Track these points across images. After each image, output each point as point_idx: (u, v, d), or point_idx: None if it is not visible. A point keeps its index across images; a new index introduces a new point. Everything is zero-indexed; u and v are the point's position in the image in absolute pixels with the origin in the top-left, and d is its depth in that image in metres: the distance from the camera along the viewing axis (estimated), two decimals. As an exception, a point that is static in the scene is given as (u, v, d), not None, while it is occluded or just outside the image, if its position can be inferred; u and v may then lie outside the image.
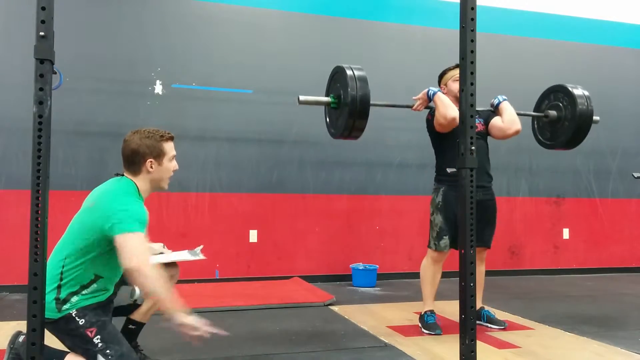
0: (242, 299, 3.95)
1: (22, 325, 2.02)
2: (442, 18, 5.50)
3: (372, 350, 2.71)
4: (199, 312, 3.61)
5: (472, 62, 1.99)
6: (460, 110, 2.04)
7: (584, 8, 5.99)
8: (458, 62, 2.04)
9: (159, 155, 2.19)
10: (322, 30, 5.27)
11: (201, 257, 2.61)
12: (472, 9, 1.98)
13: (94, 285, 2.05)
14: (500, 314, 3.53)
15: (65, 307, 1.98)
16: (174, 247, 4.91)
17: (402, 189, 5.36)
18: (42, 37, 1.65)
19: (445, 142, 3.18)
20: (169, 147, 2.27)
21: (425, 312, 3.18)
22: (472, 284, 1.99)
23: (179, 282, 4.79)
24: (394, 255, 5.26)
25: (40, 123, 1.65)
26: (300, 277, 4.88)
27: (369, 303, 4.06)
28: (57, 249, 2.07)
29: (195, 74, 4.89)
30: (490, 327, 3.19)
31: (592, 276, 5.58)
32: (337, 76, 2.95)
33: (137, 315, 2.43)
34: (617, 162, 5.99)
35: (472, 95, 2.00)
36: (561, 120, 3.26)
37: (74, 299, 1.99)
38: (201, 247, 2.60)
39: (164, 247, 2.55)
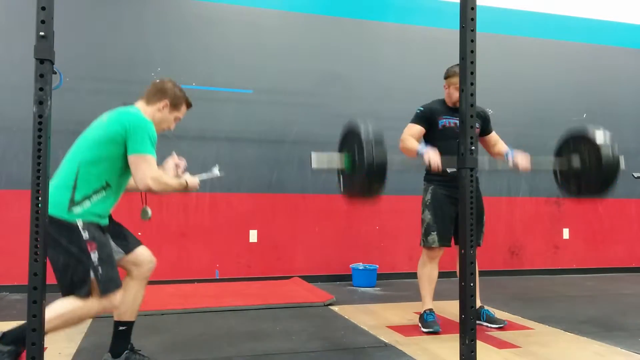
0: (242, 299, 3.95)
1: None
2: (442, 18, 5.50)
3: (372, 350, 2.71)
4: (199, 312, 3.62)
5: (472, 62, 1.99)
6: (460, 110, 2.04)
7: (583, 8, 5.99)
8: (458, 61, 2.04)
9: (175, 105, 2.45)
10: (322, 30, 5.27)
11: (218, 174, 2.84)
12: (472, 9, 1.98)
13: (103, 193, 2.21)
14: (500, 314, 3.53)
15: (76, 210, 2.11)
16: (174, 247, 4.93)
17: (402, 189, 5.35)
18: (42, 37, 1.66)
19: (431, 143, 3.20)
20: (183, 109, 2.52)
21: (425, 312, 3.18)
22: (472, 284, 2.00)
23: (179, 282, 4.81)
24: (394, 255, 5.26)
25: (40, 123, 1.65)
26: (300, 277, 4.88)
27: (369, 303, 4.06)
28: (69, 157, 2.22)
29: (195, 74, 4.89)
30: (490, 327, 3.19)
31: (592, 276, 5.58)
32: (350, 136, 2.76)
33: (124, 316, 2.42)
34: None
35: (472, 95, 2.00)
36: (585, 169, 3.08)
37: (86, 203, 2.13)
38: (218, 166, 2.71)
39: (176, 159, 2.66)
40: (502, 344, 2.82)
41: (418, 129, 3.24)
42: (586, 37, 5.99)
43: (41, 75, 1.66)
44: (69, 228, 2.08)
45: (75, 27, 4.60)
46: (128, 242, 2.42)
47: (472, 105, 2.00)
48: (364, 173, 2.48)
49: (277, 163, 5.05)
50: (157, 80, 2.49)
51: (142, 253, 2.43)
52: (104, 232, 2.26)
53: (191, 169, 4.97)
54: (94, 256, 2.09)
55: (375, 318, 3.46)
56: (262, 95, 5.02)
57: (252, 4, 5.08)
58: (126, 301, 2.36)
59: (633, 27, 6.17)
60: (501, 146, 3.40)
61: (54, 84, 1.83)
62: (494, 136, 3.42)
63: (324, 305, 3.87)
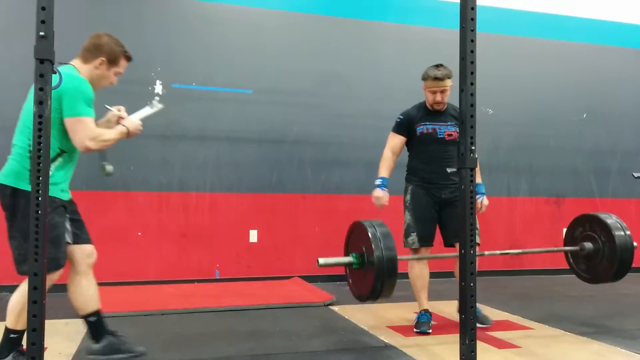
0: (242, 299, 3.95)
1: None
2: (442, 18, 5.49)
3: (372, 350, 2.71)
4: (199, 312, 3.62)
5: (472, 62, 1.99)
6: (460, 110, 2.04)
7: (584, 8, 5.99)
8: (458, 62, 2.04)
9: (112, 61, 2.40)
10: (322, 30, 5.27)
11: (159, 106, 2.74)
12: (472, 9, 1.98)
13: (60, 160, 2.26)
14: (500, 314, 3.53)
15: None
16: (174, 247, 4.93)
17: (402, 189, 5.35)
18: (42, 37, 1.65)
19: (414, 149, 3.31)
20: (123, 64, 2.47)
21: (420, 312, 3.16)
22: (472, 284, 2.00)
23: (179, 282, 4.81)
24: (394, 255, 5.25)
25: (40, 123, 1.65)
26: (300, 277, 4.88)
27: (369, 303, 4.06)
28: (20, 128, 2.28)
29: (195, 74, 4.89)
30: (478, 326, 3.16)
31: (592, 276, 5.57)
32: (357, 233, 2.73)
33: (88, 308, 2.45)
34: (617, 162, 5.99)
35: (472, 95, 2.00)
36: (599, 254, 3.05)
37: None
38: (157, 98, 2.64)
39: (122, 112, 2.62)
40: (502, 344, 2.82)
41: (399, 140, 3.31)
42: (586, 37, 5.99)
43: (41, 75, 1.66)
44: (28, 199, 2.12)
45: (75, 27, 4.59)
46: (81, 234, 2.45)
47: (472, 105, 2.00)
48: (374, 276, 2.45)
49: (277, 163, 5.05)
50: (93, 35, 2.42)
51: (87, 248, 2.46)
52: (65, 210, 2.31)
53: (191, 169, 5.00)
54: None
55: (375, 318, 3.46)
56: (262, 95, 5.02)
57: (252, 4, 5.08)
58: (82, 295, 2.42)
59: (633, 27, 6.17)
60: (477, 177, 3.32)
61: (54, 84, 1.83)
62: None
63: (324, 305, 3.87)
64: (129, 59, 2.48)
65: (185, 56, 4.89)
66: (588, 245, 3.09)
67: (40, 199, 1.64)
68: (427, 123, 3.19)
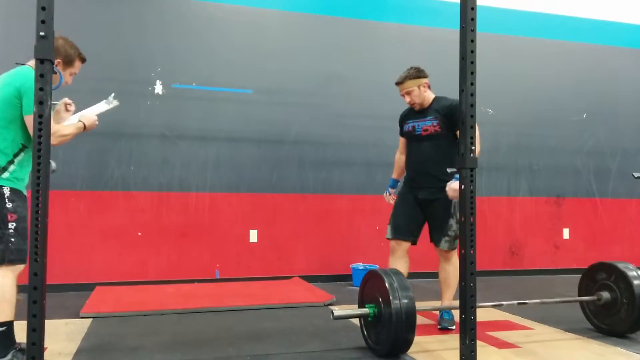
0: (242, 299, 3.95)
1: (22, 325, 2.03)
2: (442, 18, 5.50)
3: (372, 350, 2.71)
4: (199, 312, 3.62)
5: (472, 62, 1.99)
6: (460, 110, 2.04)
7: (584, 8, 5.99)
8: (458, 61, 2.04)
9: (67, 63, 2.53)
10: (322, 30, 5.27)
11: (115, 103, 2.79)
12: (472, 9, 1.98)
13: (23, 155, 2.33)
14: (499, 314, 3.53)
15: (4, 175, 2.26)
16: (174, 247, 4.93)
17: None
18: (42, 37, 1.65)
19: (406, 145, 3.31)
20: (77, 65, 2.60)
21: None
22: (472, 284, 2.00)
23: (179, 282, 4.81)
24: (394, 255, 5.25)
25: (40, 123, 1.65)
26: (300, 277, 4.88)
27: None
28: None
29: (195, 74, 4.89)
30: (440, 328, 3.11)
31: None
32: (372, 282, 2.62)
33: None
34: (617, 162, 5.99)
35: (472, 95, 2.00)
36: (618, 303, 2.94)
37: (11, 167, 2.28)
38: (113, 94, 2.78)
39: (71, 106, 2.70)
40: (502, 344, 2.82)
41: (401, 141, 3.40)
42: (586, 37, 6.00)
43: (41, 75, 1.66)
44: None
45: (75, 27, 4.59)
46: None
47: (472, 105, 2.00)
48: (393, 329, 2.34)
49: (277, 163, 5.05)
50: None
51: None
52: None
53: (191, 169, 5.00)
54: (11, 226, 2.25)
55: (375, 318, 3.45)
56: (262, 95, 5.02)
57: (252, 4, 5.08)
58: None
59: (633, 27, 6.17)
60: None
61: (54, 84, 1.84)
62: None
63: (324, 305, 3.87)
64: (83, 60, 2.63)
65: (185, 56, 4.89)
66: (605, 295, 2.98)
67: (40, 198, 1.64)
68: (410, 121, 3.25)
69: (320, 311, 3.70)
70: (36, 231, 1.65)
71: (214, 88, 4.92)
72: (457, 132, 3.03)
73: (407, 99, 3.20)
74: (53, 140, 2.25)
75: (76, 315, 3.44)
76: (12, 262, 2.26)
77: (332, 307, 2.51)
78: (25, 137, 2.33)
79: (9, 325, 2.30)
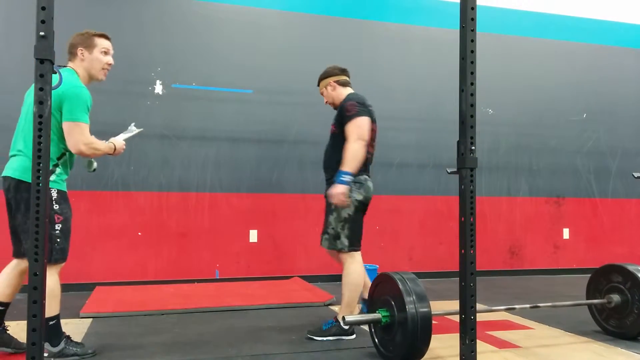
0: (242, 299, 3.95)
1: (22, 325, 2.03)
2: (442, 18, 5.50)
3: (372, 349, 2.71)
4: (199, 312, 3.62)
5: (472, 62, 1.99)
6: (460, 110, 2.03)
7: (584, 8, 5.99)
8: (458, 61, 2.03)
9: (89, 45, 2.57)
10: (322, 30, 5.27)
11: (139, 130, 2.93)
12: (472, 9, 1.97)
13: (65, 158, 2.47)
14: (499, 314, 3.53)
15: (51, 178, 2.33)
16: (174, 247, 4.93)
17: (402, 189, 5.36)
18: (42, 37, 1.65)
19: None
20: (100, 41, 2.63)
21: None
22: (472, 284, 1.99)
23: (179, 282, 4.81)
24: (394, 255, 5.25)
25: (40, 123, 1.65)
26: (300, 277, 4.88)
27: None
28: (29, 127, 2.40)
29: (195, 74, 4.89)
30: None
31: (592, 276, 5.58)
32: (384, 286, 2.54)
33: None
34: (617, 162, 5.99)
35: (472, 95, 1.99)
36: (629, 306, 2.89)
37: (57, 170, 2.41)
38: (133, 123, 2.91)
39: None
40: (502, 344, 2.82)
41: None
42: (586, 37, 6.00)
43: (41, 75, 1.66)
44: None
45: (75, 27, 4.59)
46: None
47: (472, 105, 1.99)
48: (409, 336, 2.27)
49: (277, 163, 5.05)
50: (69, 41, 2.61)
51: None
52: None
53: (191, 169, 5.00)
54: (58, 227, 2.37)
55: (375, 318, 3.45)
56: (262, 95, 5.02)
57: (252, 4, 5.08)
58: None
59: (633, 27, 6.17)
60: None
61: (54, 84, 1.84)
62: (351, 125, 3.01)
63: (324, 305, 3.87)
64: (103, 36, 2.65)
65: (185, 56, 4.89)
66: (615, 298, 2.94)
67: (40, 198, 1.64)
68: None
69: (320, 311, 3.70)
70: (36, 231, 1.65)
71: (214, 88, 4.92)
72: (346, 131, 2.92)
73: (324, 99, 3.20)
74: (87, 150, 2.40)
75: (76, 315, 3.44)
76: (57, 261, 2.37)
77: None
78: (65, 141, 2.43)
79: (58, 318, 2.45)
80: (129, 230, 4.66)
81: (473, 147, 2.00)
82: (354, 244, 3.05)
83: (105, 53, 2.64)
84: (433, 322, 3.16)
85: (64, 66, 2.53)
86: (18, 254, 2.48)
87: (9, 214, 2.46)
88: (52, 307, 2.35)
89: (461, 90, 2.01)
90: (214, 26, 5.00)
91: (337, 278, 5.06)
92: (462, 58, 2.00)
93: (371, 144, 3.03)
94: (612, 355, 2.65)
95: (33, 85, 2.42)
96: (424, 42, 5.47)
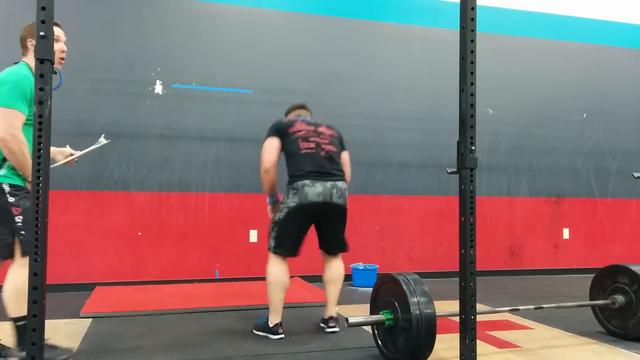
0: (242, 299, 3.95)
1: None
2: (442, 18, 5.50)
3: (372, 349, 2.71)
4: (199, 312, 3.61)
5: (472, 62, 1.99)
6: (460, 110, 2.03)
7: (584, 8, 6.00)
8: (458, 61, 2.04)
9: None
10: (322, 30, 5.27)
11: (105, 141, 2.87)
12: (472, 9, 1.98)
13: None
14: (500, 314, 3.53)
15: (0, 173, 2.30)
16: (174, 247, 4.93)
17: (402, 189, 5.36)
18: (42, 37, 1.65)
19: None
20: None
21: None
22: (472, 284, 1.99)
23: (179, 282, 4.81)
24: (393, 255, 5.26)
25: (40, 123, 1.65)
26: (300, 277, 4.88)
27: (369, 303, 4.05)
28: None
29: (195, 74, 4.89)
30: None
31: (592, 276, 5.55)
32: (387, 287, 2.53)
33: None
34: (617, 162, 5.99)
35: (472, 95, 2.00)
36: (632, 306, 2.88)
37: (6, 164, 2.31)
38: (103, 135, 2.87)
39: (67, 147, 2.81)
40: (502, 344, 2.82)
41: None
42: (586, 37, 6.00)
43: (41, 75, 1.66)
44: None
45: (75, 27, 4.60)
46: None
47: (472, 105, 2.00)
48: (413, 338, 2.23)
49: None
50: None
51: None
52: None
53: (191, 169, 4.99)
54: (18, 220, 2.29)
55: (375, 318, 3.45)
56: (262, 95, 5.02)
57: (252, 4, 5.08)
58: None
59: (633, 27, 6.17)
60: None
61: (54, 84, 1.84)
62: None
63: (324, 305, 3.86)
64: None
65: (185, 56, 4.89)
66: (619, 298, 2.93)
67: (40, 198, 1.64)
68: None
69: (320, 311, 3.69)
70: (36, 231, 1.65)
71: (214, 88, 4.92)
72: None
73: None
74: (10, 140, 2.24)
75: (76, 315, 3.44)
76: (26, 254, 2.27)
77: (349, 319, 2.44)
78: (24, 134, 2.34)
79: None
80: (129, 230, 4.66)
81: (473, 147, 2.00)
82: (278, 247, 3.13)
83: (56, 41, 2.51)
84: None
85: (17, 63, 2.49)
86: None
87: None
88: (23, 306, 2.23)
89: (461, 90, 2.02)
90: (214, 26, 5.00)
91: (337, 278, 5.07)
92: (462, 58, 2.00)
93: (308, 140, 3.02)
94: (612, 355, 2.65)
95: None
96: (424, 42, 5.47)
